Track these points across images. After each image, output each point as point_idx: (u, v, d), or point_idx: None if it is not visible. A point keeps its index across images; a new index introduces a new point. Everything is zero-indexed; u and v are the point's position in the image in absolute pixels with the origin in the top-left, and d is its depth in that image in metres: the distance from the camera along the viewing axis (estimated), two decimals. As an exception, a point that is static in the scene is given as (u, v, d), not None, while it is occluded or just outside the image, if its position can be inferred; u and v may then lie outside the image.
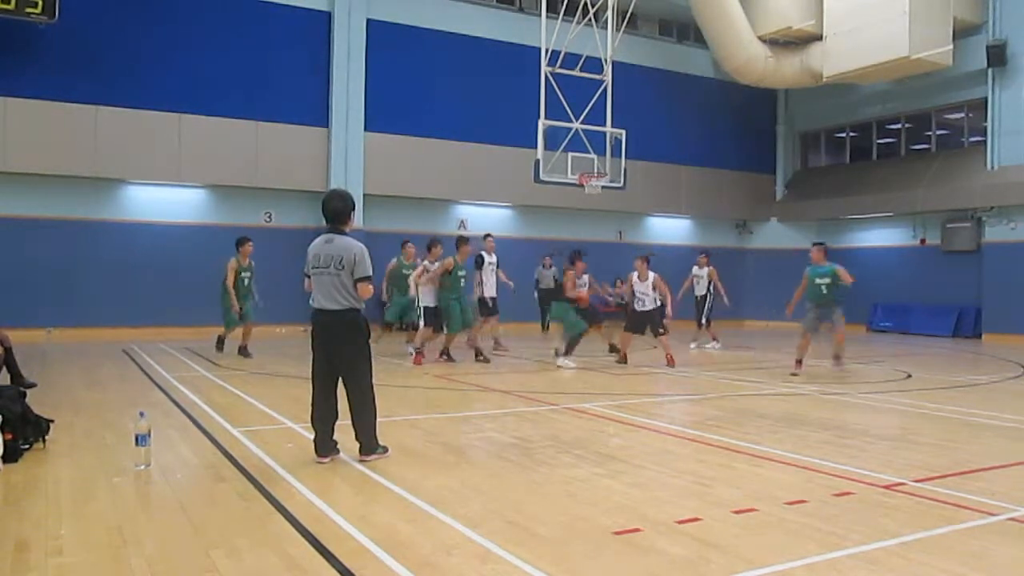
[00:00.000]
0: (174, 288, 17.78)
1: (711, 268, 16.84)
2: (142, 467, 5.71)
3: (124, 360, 13.12)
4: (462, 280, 13.23)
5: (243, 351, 13.40)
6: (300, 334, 17.91)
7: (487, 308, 14.72)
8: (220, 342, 13.91)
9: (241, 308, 13.29)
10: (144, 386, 10.25)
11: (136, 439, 5.74)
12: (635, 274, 13.16)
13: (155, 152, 17.63)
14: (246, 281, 13.41)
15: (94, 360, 13.03)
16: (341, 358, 6.07)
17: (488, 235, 15.45)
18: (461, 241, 13.44)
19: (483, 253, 14.92)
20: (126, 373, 11.57)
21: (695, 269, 16.93)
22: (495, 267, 14.92)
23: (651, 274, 13.08)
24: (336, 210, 6.14)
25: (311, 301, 6.14)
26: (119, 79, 17.19)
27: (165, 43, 17.70)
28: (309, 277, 6.16)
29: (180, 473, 5.80)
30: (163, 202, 18.28)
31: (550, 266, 19.45)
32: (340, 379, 6.12)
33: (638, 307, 13.13)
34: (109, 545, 4.18)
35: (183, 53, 17.86)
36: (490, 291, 14.74)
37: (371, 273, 6.04)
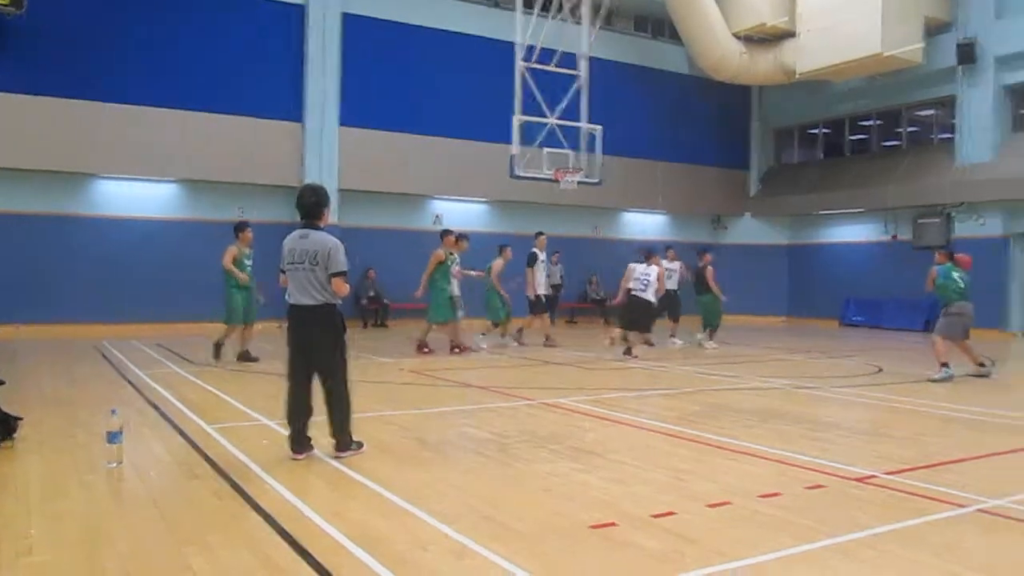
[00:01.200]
0: (146, 284, 17.60)
1: (681, 262, 16.94)
2: (114, 465, 5.64)
3: (96, 357, 12.96)
4: (450, 271, 13.68)
5: (246, 356, 12.15)
6: (275, 330, 17.73)
7: (540, 306, 15.22)
8: (218, 348, 12.11)
9: (244, 304, 12.04)
10: (116, 383, 10.13)
11: (108, 436, 5.67)
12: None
13: (126, 146, 17.41)
14: (248, 270, 12.07)
15: (65, 357, 12.86)
16: (317, 354, 6.04)
17: (540, 233, 15.63)
18: (445, 233, 13.87)
19: (536, 251, 15.25)
20: (98, 370, 11.43)
21: (665, 263, 16.83)
22: (547, 264, 15.36)
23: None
24: (310, 205, 6.10)
25: (287, 297, 6.11)
26: (90, 72, 16.95)
27: (137, 36, 17.48)
28: (284, 273, 6.13)
29: (153, 471, 5.74)
30: (135, 197, 18.08)
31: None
32: (315, 375, 6.09)
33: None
34: (80, 544, 4.14)
35: (155, 46, 17.65)
36: (542, 288, 15.16)
37: (346, 268, 6.01)
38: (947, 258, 11.63)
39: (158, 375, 10.65)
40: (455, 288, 13.76)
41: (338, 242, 6.03)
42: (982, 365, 11.44)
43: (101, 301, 17.27)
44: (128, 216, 17.94)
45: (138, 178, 17.98)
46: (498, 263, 14.79)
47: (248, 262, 12.17)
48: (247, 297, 12.11)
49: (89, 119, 16.99)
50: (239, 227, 12.39)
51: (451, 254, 13.72)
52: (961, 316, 11.29)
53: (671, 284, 16.65)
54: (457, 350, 13.77)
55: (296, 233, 6.12)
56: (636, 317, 13.60)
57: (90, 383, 10.10)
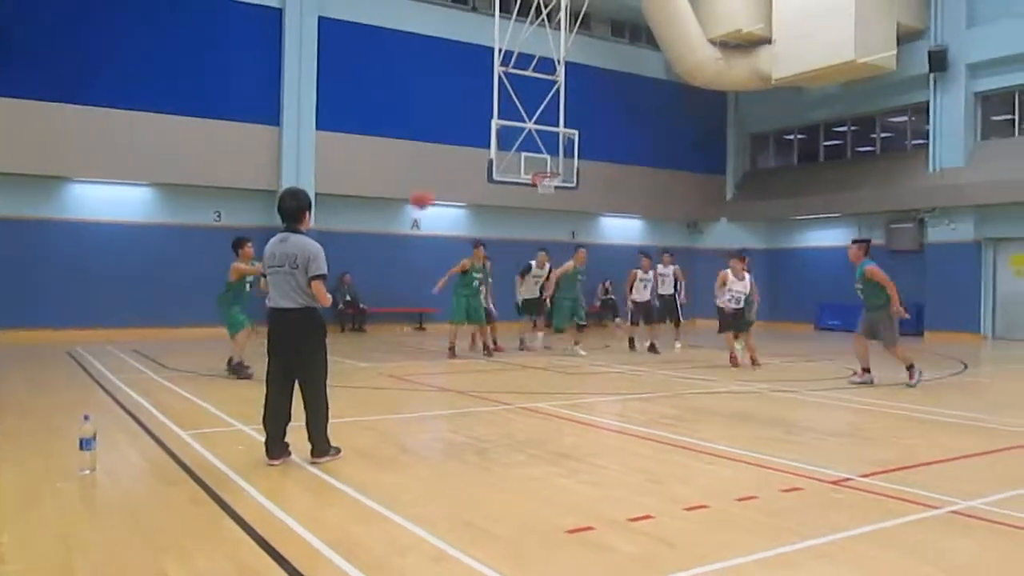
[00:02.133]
0: (121, 289, 17.43)
1: (676, 267, 16.97)
2: (87, 472, 5.57)
3: (69, 363, 12.81)
4: (475, 281, 14.20)
5: (240, 367, 11.12)
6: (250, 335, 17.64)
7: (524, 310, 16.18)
8: (235, 365, 11.08)
9: (242, 317, 11.15)
10: (90, 389, 10.02)
11: (81, 443, 5.60)
12: (730, 272, 13.32)
13: (102, 149, 17.22)
14: (248, 287, 11.26)
15: (38, 362, 12.70)
16: (297, 357, 6.01)
17: (543, 249, 16.17)
18: (476, 244, 14.58)
19: (532, 263, 15.97)
20: (71, 376, 11.29)
21: (660, 268, 16.81)
22: (540, 279, 15.87)
23: (747, 274, 13.39)
24: (290, 209, 6.11)
25: (267, 300, 6.10)
26: (64, 75, 16.75)
27: (111, 38, 17.32)
28: (265, 276, 6.14)
29: (127, 478, 5.68)
30: (110, 200, 17.88)
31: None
32: (296, 380, 6.06)
33: (733, 305, 13.20)
34: (54, 552, 4.09)
35: (132, 49, 17.49)
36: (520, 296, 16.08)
37: (325, 272, 5.99)
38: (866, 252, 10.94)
39: (133, 381, 10.55)
40: (483, 299, 14.49)
41: (318, 246, 6.01)
42: (867, 371, 11.06)
43: (75, 306, 17.07)
44: (103, 220, 17.74)
45: (113, 181, 17.78)
46: (568, 265, 15.07)
47: (250, 279, 11.26)
48: (245, 307, 11.38)
49: (63, 122, 16.79)
50: (238, 243, 11.33)
51: (483, 266, 14.45)
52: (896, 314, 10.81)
53: (666, 288, 16.67)
54: (487, 351, 14.47)
55: (277, 237, 6.12)
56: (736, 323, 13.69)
57: (63, 389, 9.98)
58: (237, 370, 11.02)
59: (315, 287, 5.93)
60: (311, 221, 6.28)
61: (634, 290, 15.85)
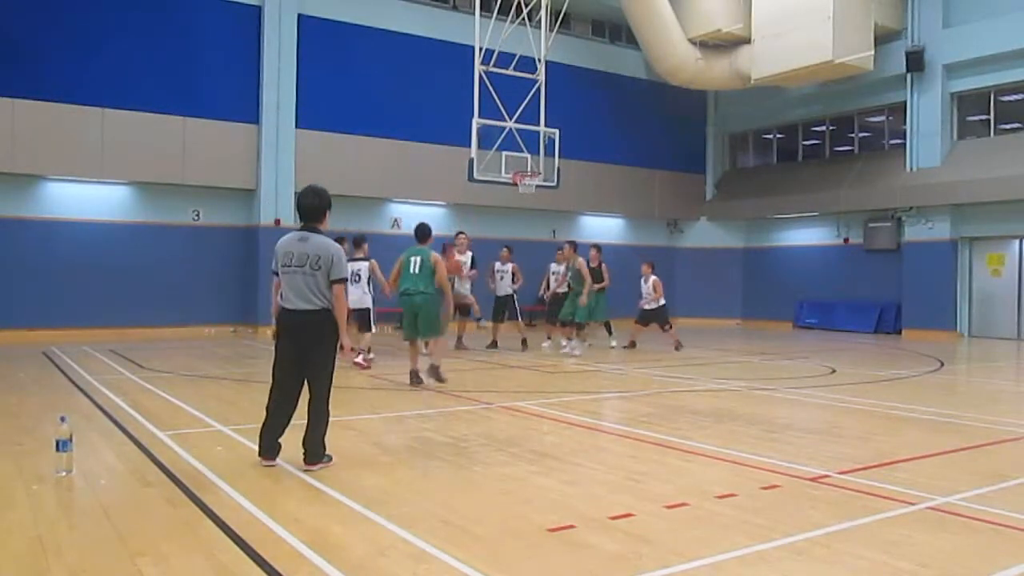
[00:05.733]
0: (97, 289, 17.25)
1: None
2: (63, 474, 5.51)
3: (44, 363, 12.66)
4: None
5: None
6: (227, 335, 17.55)
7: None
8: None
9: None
10: (65, 389, 9.91)
11: (57, 444, 5.54)
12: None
13: (77, 147, 17.02)
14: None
15: (11, 363, 12.54)
16: (311, 360, 5.84)
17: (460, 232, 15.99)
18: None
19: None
20: (46, 376, 11.16)
21: (553, 266, 16.77)
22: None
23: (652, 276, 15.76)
24: (311, 207, 5.96)
25: (282, 301, 5.91)
26: (38, 71, 16.55)
27: (88, 34, 17.11)
28: (277, 275, 5.94)
29: (104, 479, 5.62)
30: (85, 199, 17.67)
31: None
32: (304, 383, 5.91)
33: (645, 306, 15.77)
34: (28, 556, 4.03)
35: (107, 45, 17.29)
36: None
37: (347, 275, 5.91)
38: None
39: (110, 381, 10.44)
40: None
41: (340, 248, 5.92)
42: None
43: (50, 306, 16.87)
44: (78, 219, 17.54)
45: (88, 180, 17.59)
46: (582, 262, 15.15)
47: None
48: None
49: (37, 119, 16.58)
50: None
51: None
52: None
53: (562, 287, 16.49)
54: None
55: (294, 235, 5.93)
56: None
57: (38, 390, 9.86)
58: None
59: (337, 290, 5.79)
60: (328, 221, 6.08)
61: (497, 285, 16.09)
